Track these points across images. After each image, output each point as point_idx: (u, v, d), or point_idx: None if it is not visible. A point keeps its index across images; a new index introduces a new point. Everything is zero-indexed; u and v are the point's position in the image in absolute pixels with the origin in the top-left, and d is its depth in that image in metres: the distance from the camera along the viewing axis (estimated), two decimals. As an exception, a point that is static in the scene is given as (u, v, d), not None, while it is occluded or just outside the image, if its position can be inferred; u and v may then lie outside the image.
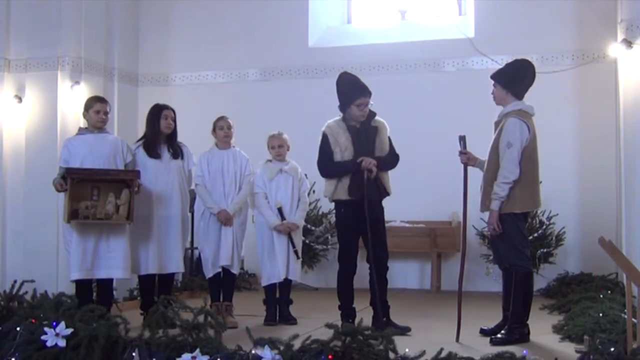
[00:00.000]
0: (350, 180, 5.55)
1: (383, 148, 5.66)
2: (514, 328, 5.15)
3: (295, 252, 6.19)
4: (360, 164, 5.48)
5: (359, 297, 5.71)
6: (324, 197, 5.84)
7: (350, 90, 5.59)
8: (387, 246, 5.71)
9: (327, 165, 5.62)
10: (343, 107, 5.64)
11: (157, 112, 6.06)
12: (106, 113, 5.84)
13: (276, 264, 6.14)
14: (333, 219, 8.66)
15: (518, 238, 5.20)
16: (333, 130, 5.62)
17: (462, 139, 5.42)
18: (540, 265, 7.99)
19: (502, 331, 5.21)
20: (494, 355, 3.99)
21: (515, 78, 5.29)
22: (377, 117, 5.70)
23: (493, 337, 5.17)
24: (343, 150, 5.57)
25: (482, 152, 5.44)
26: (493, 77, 5.38)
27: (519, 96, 5.29)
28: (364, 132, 5.63)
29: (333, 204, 5.82)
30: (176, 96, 9.14)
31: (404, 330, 5.42)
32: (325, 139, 5.64)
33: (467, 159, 5.43)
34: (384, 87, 8.02)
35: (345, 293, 5.68)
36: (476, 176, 5.48)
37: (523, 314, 5.18)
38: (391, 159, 5.71)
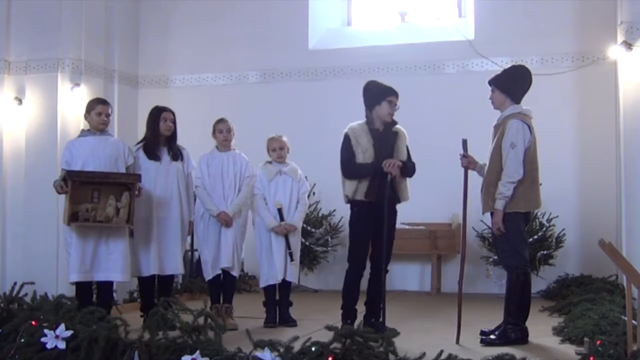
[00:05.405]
0: (369, 183, 5.56)
1: (400, 154, 5.66)
2: (508, 329, 5.14)
3: (290, 255, 6.17)
4: (382, 166, 5.49)
5: (360, 298, 5.70)
6: (344, 195, 5.68)
7: (382, 89, 5.69)
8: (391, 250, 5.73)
9: (351, 166, 5.61)
10: (372, 105, 5.65)
11: (157, 115, 6.07)
12: (108, 115, 5.84)
13: (274, 265, 6.13)
14: (333, 221, 8.73)
15: (517, 239, 5.21)
16: (355, 132, 5.64)
17: (464, 143, 5.44)
18: (540, 267, 7.98)
19: (496, 332, 5.20)
20: (494, 357, 4.00)
21: (514, 83, 5.35)
22: (397, 126, 5.73)
23: (484, 337, 5.17)
24: (364, 152, 5.58)
25: (482, 153, 5.45)
26: (492, 82, 5.42)
27: (517, 100, 5.35)
28: (385, 136, 5.65)
29: (340, 205, 5.78)
30: (176, 98, 9.16)
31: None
32: (347, 140, 5.65)
33: (468, 163, 5.46)
34: (384, 89, 8.02)
35: (350, 294, 5.66)
36: (476, 179, 5.50)
37: (519, 315, 5.18)
38: (412, 166, 5.72)
